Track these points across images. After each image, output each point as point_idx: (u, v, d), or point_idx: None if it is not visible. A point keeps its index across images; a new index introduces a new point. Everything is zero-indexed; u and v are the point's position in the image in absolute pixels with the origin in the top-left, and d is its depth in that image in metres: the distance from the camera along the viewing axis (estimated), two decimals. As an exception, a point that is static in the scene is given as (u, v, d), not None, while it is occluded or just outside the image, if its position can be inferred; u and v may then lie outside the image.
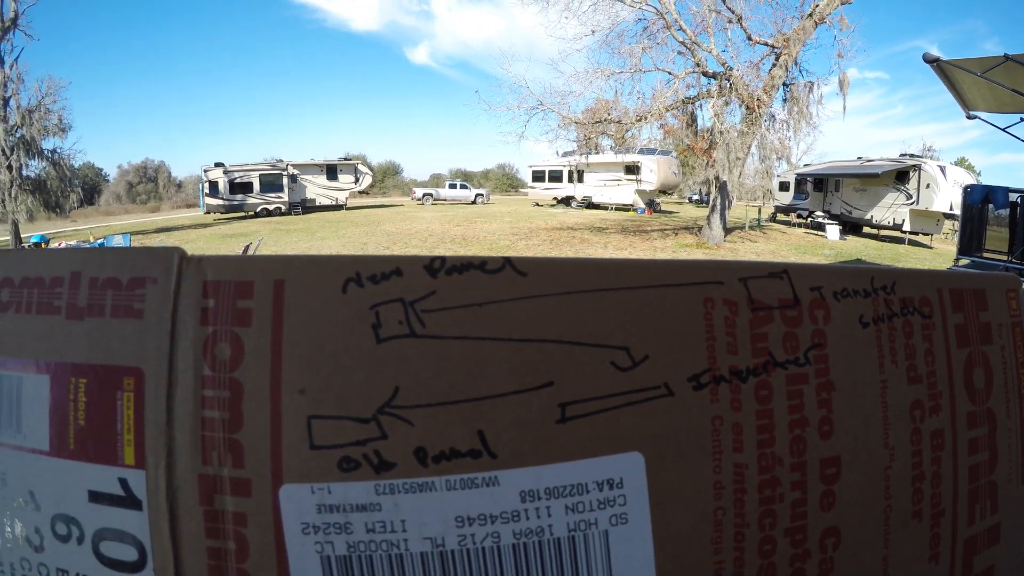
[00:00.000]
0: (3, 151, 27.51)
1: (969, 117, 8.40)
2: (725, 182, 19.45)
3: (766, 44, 18.94)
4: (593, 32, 20.16)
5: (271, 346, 0.51)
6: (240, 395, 0.51)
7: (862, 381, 0.58)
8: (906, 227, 22.43)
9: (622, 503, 0.52)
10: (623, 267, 0.53)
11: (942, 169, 21.48)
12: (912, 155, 25.01)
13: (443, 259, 0.51)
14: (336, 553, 0.50)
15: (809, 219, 27.48)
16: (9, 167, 27.66)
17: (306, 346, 0.50)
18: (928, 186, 21.38)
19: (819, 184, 27.61)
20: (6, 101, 28.25)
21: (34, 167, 29.37)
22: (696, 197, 47.26)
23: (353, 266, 0.51)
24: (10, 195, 27.60)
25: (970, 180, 20.34)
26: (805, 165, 27.97)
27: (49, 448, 0.55)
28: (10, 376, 0.57)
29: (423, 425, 0.50)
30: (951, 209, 19.93)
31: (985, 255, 9.55)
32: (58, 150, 29.90)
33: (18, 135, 28.18)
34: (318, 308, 0.51)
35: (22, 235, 26.31)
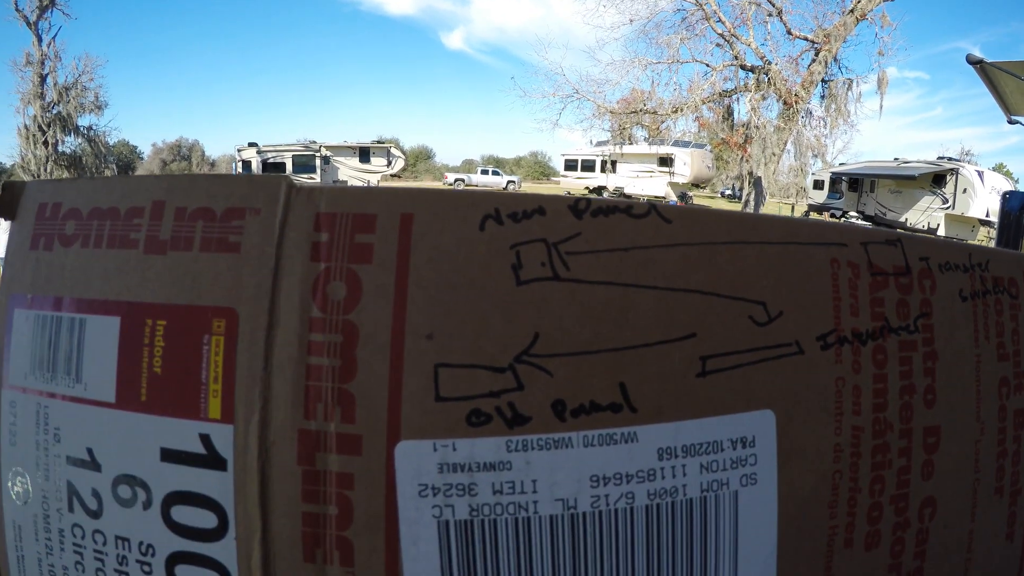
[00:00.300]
0: (40, 127, 27.96)
1: (1011, 122, 8.34)
2: (759, 178, 19.45)
3: (806, 39, 18.94)
4: (631, 21, 20.20)
5: (395, 285, 0.46)
6: (355, 340, 0.46)
7: (960, 353, 0.58)
8: (940, 232, 22.24)
9: (752, 463, 0.50)
10: (760, 221, 0.52)
11: (980, 174, 21.35)
12: (950, 158, 24.92)
13: (588, 200, 0.48)
14: (456, 518, 0.46)
15: (842, 219, 27.34)
16: (45, 143, 28.08)
17: (436, 286, 0.46)
18: (965, 191, 21.21)
19: (854, 184, 27.47)
20: (43, 78, 28.69)
21: (70, 143, 29.84)
22: (729, 192, 47.21)
23: (492, 202, 0.48)
24: (46, 170, 27.93)
25: (1008, 186, 20.14)
26: (840, 164, 27.86)
27: (115, 400, 0.49)
28: (69, 318, 0.51)
29: (563, 375, 0.46)
30: (987, 216, 19.83)
31: None
32: (94, 127, 30.32)
33: (55, 112, 28.63)
34: (451, 245, 0.47)
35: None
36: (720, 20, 19.16)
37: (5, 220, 0.57)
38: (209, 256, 0.48)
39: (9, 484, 0.54)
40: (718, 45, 19.72)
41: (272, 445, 0.46)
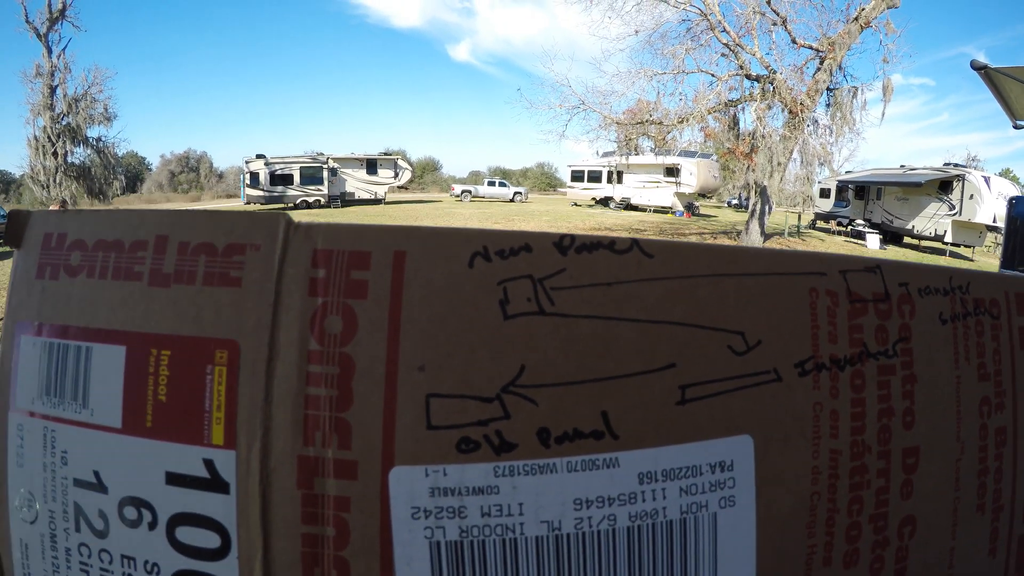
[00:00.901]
0: (50, 138, 28.06)
1: (1016, 127, 8.31)
2: (765, 187, 19.38)
3: (811, 48, 18.89)
4: (636, 32, 20.16)
5: (388, 320, 0.48)
6: (351, 371, 0.48)
7: (940, 375, 0.59)
8: (948, 238, 22.13)
9: (731, 486, 0.52)
10: (739, 253, 0.54)
11: (986, 180, 21.21)
12: (956, 165, 24.79)
13: (572, 237, 0.50)
14: (447, 539, 0.48)
15: (849, 227, 27.25)
16: (55, 154, 28.22)
17: (427, 321, 0.48)
18: (972, 197, 21.08)
19: (860, 192, 27.36)
20: (53, 90, 28.83)
21: (79, 154, 29.98)
22: (735, 201, 47.09)
23: (480, 240, 0.50)
24: (55, 181, 28.18)
25: (1015, 192, 20.04)
26: (847, 172, 27.71)
27: (121, 425, 0.51)
28: (76, 346, 0.53)
29: (548, 405, 0.48)
30: (994, 221, 19.70)
31: (1030, 269, 9.31)
32: (103, 138, 30.51)
33: (64, 123, 28.75)
34: (442, 281, 0.49)
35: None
36: (725, 30, 19.12)
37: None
38: (211, 290, 0.50)
39: (16, 504, 0.55)
40: (723, 55, 19.67)
41: (273, 470, 0.48)
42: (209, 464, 0.49)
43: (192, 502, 0.50)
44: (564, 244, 0.50)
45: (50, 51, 28.71)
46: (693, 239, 21.92)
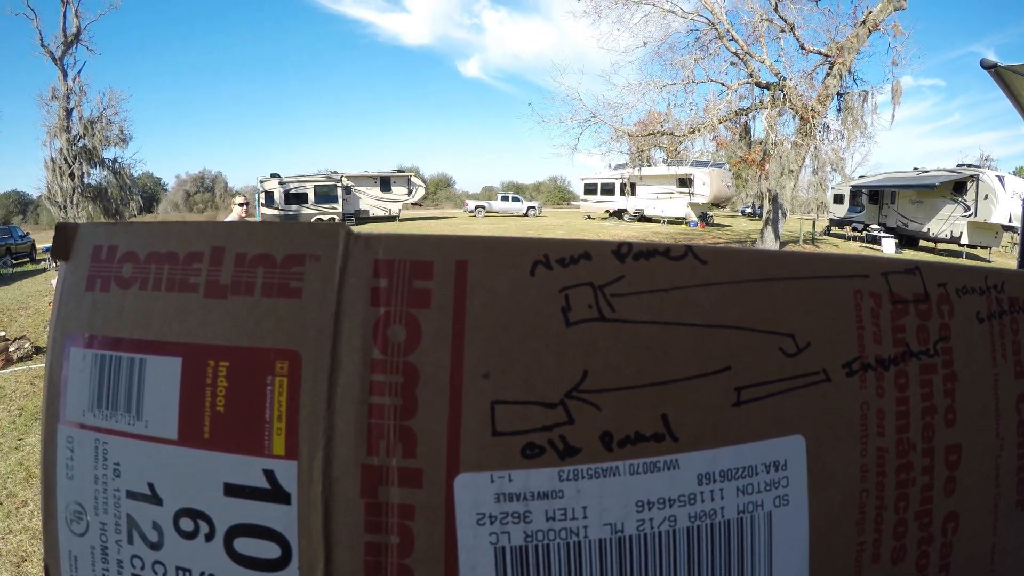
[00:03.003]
0: (66, 160, 28.26)
1: (1029, 125, 8.23)
2: (778, 195, 19.28)
3: (819, 53, 18.91)
4: (645, 44, 20.22)
5: (452, 328, 0.49)
6: (415, 380, 0.49)
7: (979, 373, 0.61)
8: (964, 240, 22.02)
9: (785, 485, 0.53)
10: (788, 258, 0.55)
11: (1001, 179, 21.13)
12: (969, 165, 24.69)
13: (630, 244, 0.51)
14: (512, 544, 0.49)
15: (864, 232, 27.12)
16: (72, 175, 28.41)
17: (491, 329, 0.49)
18: (986, 197, 21.00)
19: (874, 196, 27.27)
20: (69, 112, 29.05)
21: (95, 176, 30.18)
22: (749, 210, 47.05)
23: (541, 248, 0.50)
24: (72, 202, 28.35)
25: (1031, 191, 19.88)
26: (860, 177, 27.66)
27: (177, 437, 0.51)
28: (129, 358, 0.53)
29: (610, 409, 0.49)
30: (1010, 221, 19.61)
31: (1049, 269, 9.18)
32: (119, 159, 30.72)
33: (80, 145, 28.95)
34: (505, 290, 0.49)
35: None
36: (733, 38, 19.16)
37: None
38: (271, 301, 0.50)
39: (66, 517, 0.55)
40: (732, 64, 19.72)
41: (336, 480, 0.49)
42: (270, 474, 0.49)
43: (251, 513, 0.50)
44: (622, 252, 0.51)
45: (65, 74, 28.95)
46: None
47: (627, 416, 0.49)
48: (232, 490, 0.50)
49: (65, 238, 0.58)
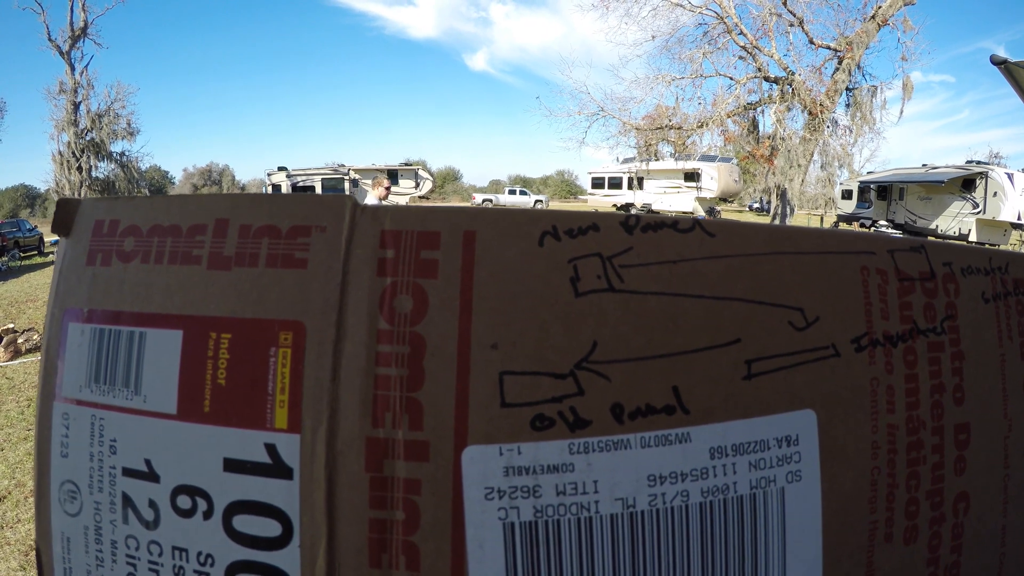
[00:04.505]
0: (74, 153, 28.39)
1: (1040, 121, 8.20)
2: (786, 190, 19.26)
3: (828, 48, 18.92)
4: (653, 37, 20.32)
5: (460, 298, 0.48)
6: (422, 350, 0.48)
7: (986, 353, 0.60)
8: (972, 237, 21.86)
9: (797, 460, 0.52)
10: (794, 232, 0.55)
11: (1010, 176, 21.00)
12: (979, 162, 24.55)
13: (638, 216, 0.51)
14: (521, 519, 0.48)
15: (872, 228, 27.02)
16: (79, 168, 28.55)
17: (499, 299, 0.48)
18: (995, 194, 20.87)
19: (882, 192, 27.13)
20: (77, 106, 29.17)
21: (103, 169, 30.32)
22: (757, 205, 46.96)
23: (549, 219, 0.50)
24: (79, 195, 28.45)
25: (1040, 188, 19.80)
26: (868, 172, 27.57)
27: (176, 411, 0.50)
28: (128, 332, 0.52)
29: (620, 381, 0.48)
30: (1019, 219, 19.51)
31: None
32: (126, 153, 30.84)
33: (88, 138, 29.09)
34: (513, 260, 0.49)
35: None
36: (742, 32, 19.20)
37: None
38: (275, 272, 0.50)
39: (59, 497, 0.54)
40: (741, 58, 19.78)
41: (340, 453, 0.48)
42: (271, 449, 0.48)
43: (252, 489, 0.49)
44: (631, 223, 0.51)
45: (73, 68, 29.09)
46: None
47: (637, 388, 0.48)
48: (232, 465, 0.49)
49: (67, 213, 0.57)
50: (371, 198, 7.08)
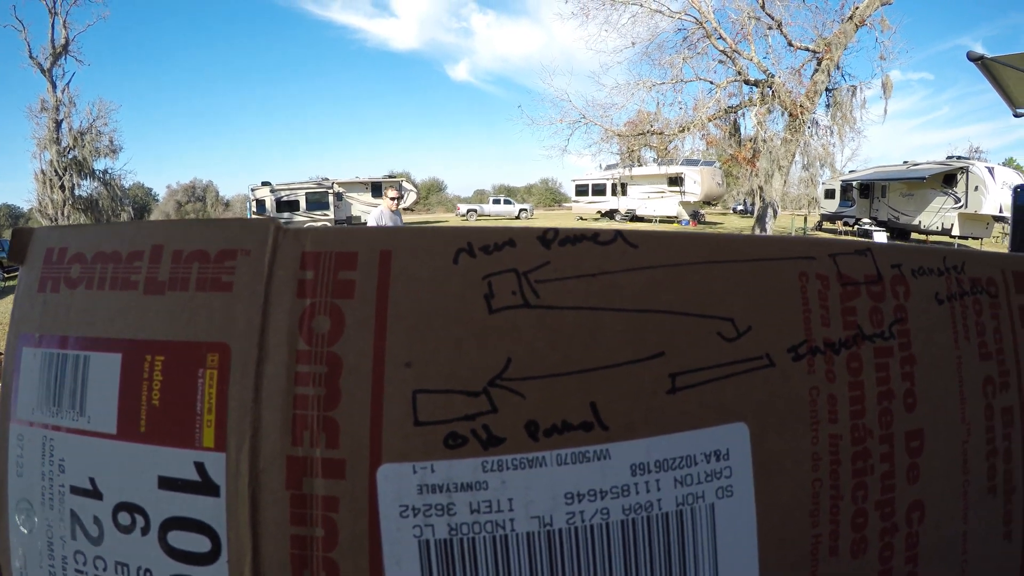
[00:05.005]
0: (56, 172, 28.35)
1: (1016, 115, 8.30)
2: (768, 191, 19.34)
3: (807, 49, 18.98)
4: (633, 44, 20.34)
5: (375, 318, 0.49)
6: (339, 370, 0.48)
7: (940, 356, 0.59)
8: (955, 232, 21.95)
9: (728, 475, 0.51)
10: (726, 240, 0.54)
11: (990, 170, 21.13)
12: (959, 157, 24.67)
13: (556, 230, 0.51)
14: (436, 537, 0.48)
15: (856, 227, 27.08)
16: (62, 187, 28.52)
17: (413, 317, 0.49)
18: (976, 188, 21.02)
19: (865, 190, 27.29)
20: (59, 124, 29.13)
21: (86, 187, 30.27)
22: (741, 207, 47.04)
23: (464, 236, 0.50)
24: (63, 214, 28.53)
25: (1020, 180, 19.92)
26: (850, 172, 27.66)
27: (116, 431, 0.51)
28: (75, 356, 0.54)
29: (535, 397, 0.48)
30: (1001, 212, 19.61)
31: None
32: (109, 170, 30.86)
33: (71, 156, 29.05)
34: (427, 278, 0.49)
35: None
36: (721, 37, 19.24)
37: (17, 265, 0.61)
38: (204, 295, 0.51)
39: (16, 515, 0.56)
40: (720, 62, 19.80)
41: (262, 471, 0.48)
42: (200, 467, 0.49)
43: (184, 506, 0.50)
44: (548, 237, 0.50)
45: (54, 86, 29.09)
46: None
47: (553, 404, 0.48)
48: (166, 483, 0.50)
49: (22, 242, 0.60)
50: (382, 209, 7.10)
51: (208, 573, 0.50)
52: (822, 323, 0.54)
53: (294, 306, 0.49)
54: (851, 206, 28.19)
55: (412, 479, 0.47)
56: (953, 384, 0.59)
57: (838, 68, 19.06)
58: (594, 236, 0.51)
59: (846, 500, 0.54)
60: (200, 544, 0.50)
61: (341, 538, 0.48)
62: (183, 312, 0.51)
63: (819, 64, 18.82)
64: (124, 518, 0.51)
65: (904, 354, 0.57)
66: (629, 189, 34.36)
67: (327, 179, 34.42)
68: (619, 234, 0.51)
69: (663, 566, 0.50)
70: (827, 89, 19.33)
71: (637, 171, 27.91)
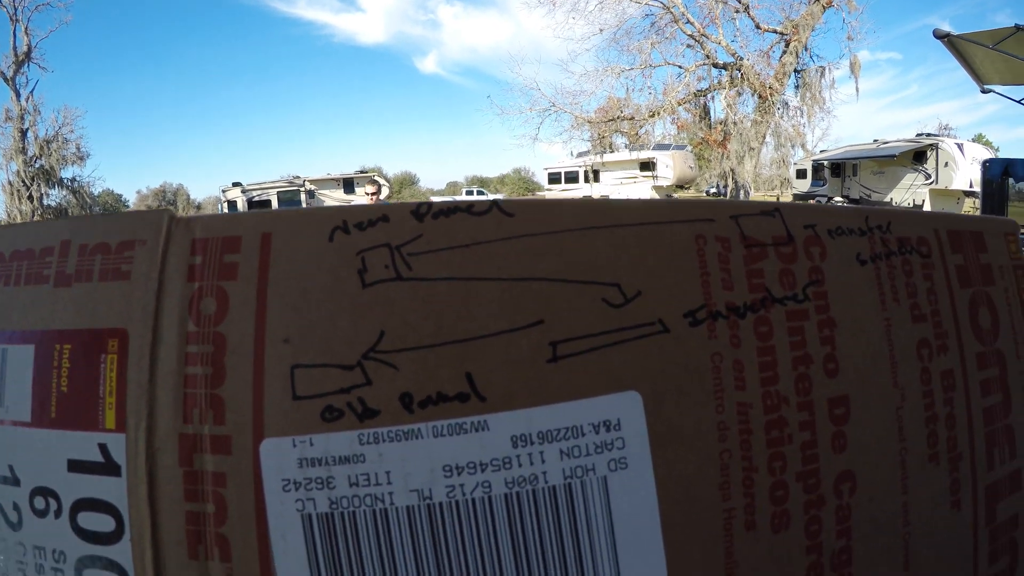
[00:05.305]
0: (24, 182, 28.05)
1: (984, 91, 8.34)
2: (741, 172, 19.45)
3: (775, 31, 19.07)
4: (601, 31, 20.47)
5: (256, 297, 0.50)
6: (224, 349, 0.50)
7: (865, 318, 0.56)
8: (926, 207, 22.06)
9: (620, 446, 0.49)
10: (612, 206, 0.53)
11: (960, 147, 21.19)
12: (929, 134, 24.76)
13: (430, 204, 0.51)
14: (318, 511, 0.48)
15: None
16: (30, 197, 28.22)
17: (291, 295, 0.50)
18: (946, 164, 21.08)
19: (836, 169, 27.29)
20: (24, 133, 28.80)
21: (54, 196, 29.96)
22: (714, 190, 47.11)
23: (340, 215, 0.51)
24: (33, 225, 28.10)
25: (989, 156, 20.07)
26: (821, 151, 27.67)
27: (31, 419, 0.54)
28: None
29: (409, 369, 0.48)
30: (971, 186, 19.69)
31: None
32: (77, 178, 30.54)
33: (37, 165, 28.75)
34: (304, 257, 0.50)
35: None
36: (689, 21, 19.32)
37: None
38: (106, 285, 0.53)
39: None
40: (689, 46, 19.89)
41: (158, 450, 0.50)
42: (103, 448, 0.51)
43: (91, 487, 0.52)
44: (421, 211, 0.51)
45: (18, 94, 28.79)
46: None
47: (427, 376, 0.48)
48: (75, 466, 0.52)
49: None
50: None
51: (114, 552, 0.51)
52: (723, 287, 0.52)
53: (184, 290, 0.51)
54: (823, 185, 28.10)
55: (292, 453, 0.48)
56: (882, 348, 0.56)
57: (806, 49, 19.13)
58: (468, 207, 0.51)
59: (762, 472, 0.51)
60: (106, 524, 0.51)
61: (230, 513, 0.49)
62: (88, 302, 0.53)
63: (787, 46, 18.88)
64: (39, 502, 0.53)
65: (822, 317, 0.55)
66: (601, 176, 34.18)
67: (298, 177, 34.24)
68: (495, 203, 0.51)
69: (554, 542, 0.49)
70: (796, 70, 19.40)
71: (609, 157, 27.91)
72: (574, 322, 0.49)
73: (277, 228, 0.51)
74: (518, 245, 0.50)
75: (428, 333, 0.48)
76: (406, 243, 0.50)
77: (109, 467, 0.51)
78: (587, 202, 0.54)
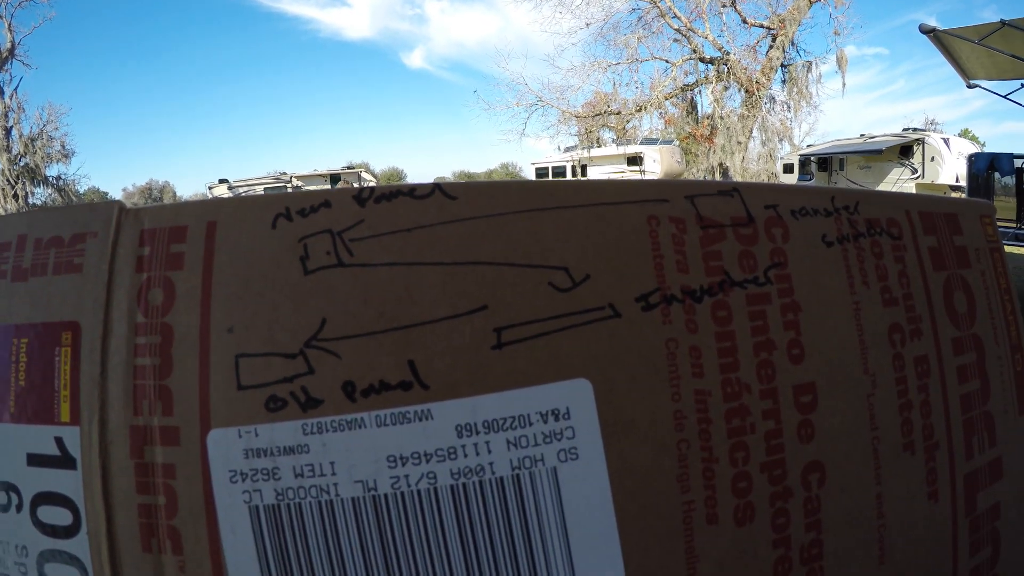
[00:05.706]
0: (8, 180, 27.87)
1: (970, 86, 8.38)
2: (727, 167, 19.47)
3: (762, 26, 19.02)
4: (588, 25, 20.41)
5: (201, 287, 0.50)
6: (171, 339, 0.50)
7: (831, 302, 0.54)
8: (913, 201, 22.13)
9: (570, 436, 0.48)
10: (558, 187, 0.51)
11: (946, 141, 21.28)
12: (915, 129, 24.83)
13: (372, 188, 0.50)
14: (264, 502, 0.48)
15: (815, 200, 27.16)
16: (15, 196, 28.03)
17: (235, 284, 0.49)
18: (933, 159, 21.18)
19: (823, 164, 27.34)
20: (8, 130, 28.57)
21: (40, 195, 29.76)
22: (701, 184, 47.15)
23: (283, 202, 0.51)
24: (18, 224, 27.91)
25: (975, 150, 20.14)
26: (808, 146, 27.74)
27: None
28: None
29: (351, 357, 0.48)
30: (957, 181, 19.77)
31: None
32: (63, 176, 30.31)
33: (22, 164, 28.55)
34: (247, 245, 0.50)
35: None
36: (675, 15, 19.25)
37: None
38: (60, 278, 0.53)
39: None
40: (676, 40, 19.80)
41: (110, 443, 0.50)
42: (59, 441, 0.51)
43: (49, 481, 0.52)
44: (363, 196, 0.50)
45: (2, 92, 28.46)
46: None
47: (370, 364, 0.47)
48: (33, 459, 0.53)
49: None
50: None
51: (72, 545, 0.51)
52: (678, 269, 0.51)
53: (133, 281, 0.51)
54: (810, 179, 28.19)
55: (238, 443, 0.48)
56: (851, 333, 0.54)
57: (793, 44, 19.06)
58: (411, 191, 0.50)
59: (723, 463, 0.50)
60: (64, 517, 0.51)
61: (180, 505, 0.49)
62: (43, 295, 0.54)
63: (774, 40, 18.81)
64: (1, 497, 0.54)
65: (785, 300, 0.53)
66: (589, 170, 34.11)
67: (285, 173, 34.15)
68: (437, 187, 0.50)
69: (503, 533, 0.48)
70: (783, 65, 19.32)
71: (596, 152, 27.83)
72: (520, 307, 0.48)
73: (221, 216, 0.51)
74: (461, 228, 0.49)
75: (369, 320, 0.48)
76: (347, 228, 0.49)
77: (65, 460, 0.51)
78: (532, 183, 0.52)
